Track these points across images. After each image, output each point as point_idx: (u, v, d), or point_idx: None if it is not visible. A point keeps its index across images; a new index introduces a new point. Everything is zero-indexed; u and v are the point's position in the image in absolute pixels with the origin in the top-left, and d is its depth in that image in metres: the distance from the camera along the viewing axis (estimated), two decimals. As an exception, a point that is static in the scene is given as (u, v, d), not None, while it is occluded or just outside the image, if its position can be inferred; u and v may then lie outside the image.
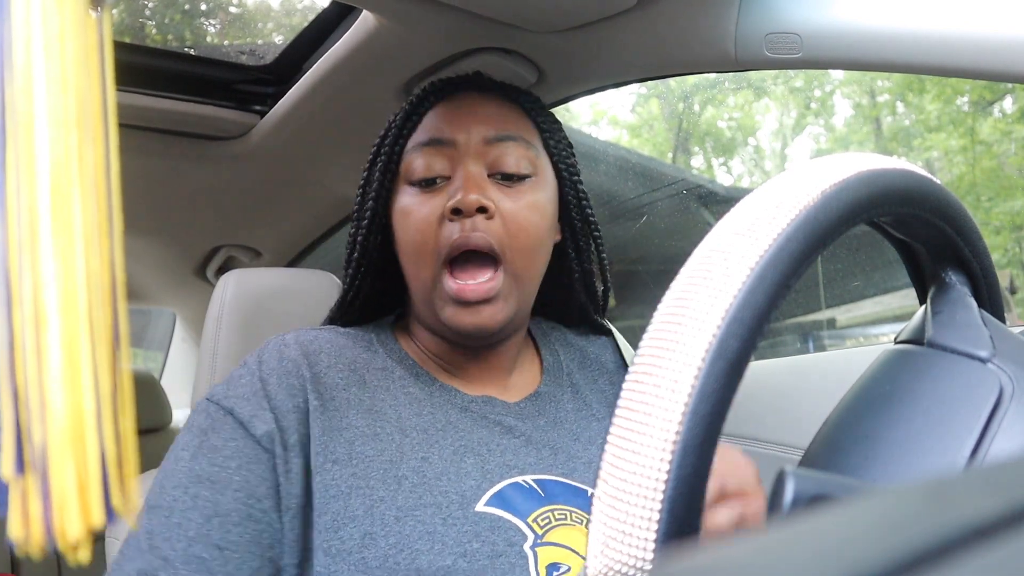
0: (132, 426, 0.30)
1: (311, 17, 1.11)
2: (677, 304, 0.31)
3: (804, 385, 0.96)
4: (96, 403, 0.28)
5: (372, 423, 0.65)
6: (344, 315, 0.79)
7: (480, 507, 0.62)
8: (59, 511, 0.27)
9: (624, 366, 0.83)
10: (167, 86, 1.17)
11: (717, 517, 0.46)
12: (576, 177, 0.78)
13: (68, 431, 0.27)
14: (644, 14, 0.83)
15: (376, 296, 0.79)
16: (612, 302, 0.87)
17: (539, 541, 0.61)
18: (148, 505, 0.59)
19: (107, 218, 0.30)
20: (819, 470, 0.37)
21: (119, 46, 1.18)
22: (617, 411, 0.31)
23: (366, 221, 0.74)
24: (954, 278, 0.42)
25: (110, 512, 0.28)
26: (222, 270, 1.67)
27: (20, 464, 0.27)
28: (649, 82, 1.00)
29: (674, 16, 0.83)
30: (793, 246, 0.31)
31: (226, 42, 1.65)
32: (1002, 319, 0.43)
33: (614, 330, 0.88)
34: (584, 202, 0.78)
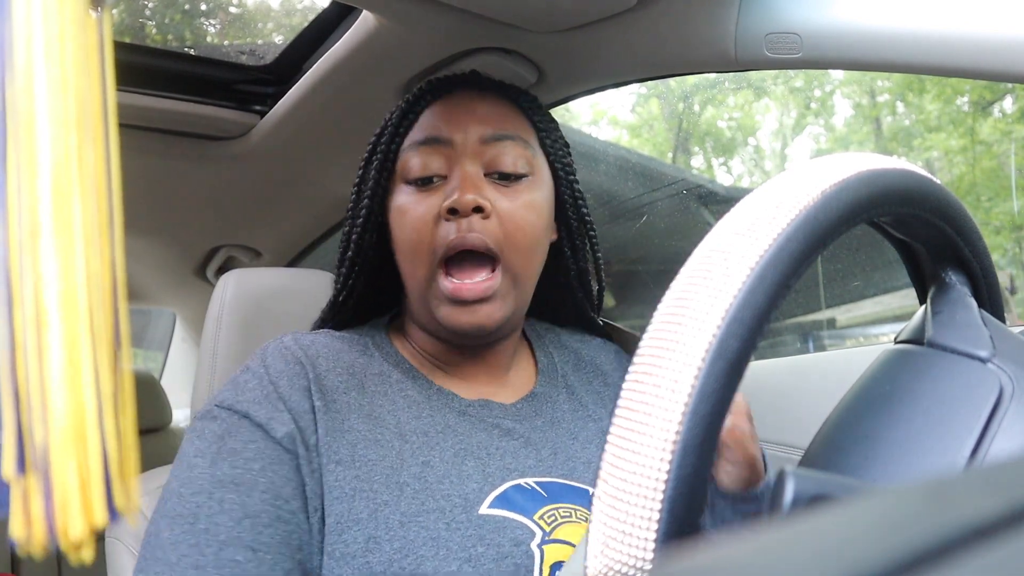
0: (133, 425, 0.30)
1: (311, 17, 1.11)
2: (677, 304, 0.31)
3: (804, 385, 0.97)
4: (97, 402, 0.28)
5: (373, 428, 0.65)
6: (336, 316, 0.78)
7: (484, 510, 0.62)
8: (61, 510, 0.27)
9: (621, 368, 0.83)
10: (167, 86, 1.17)
11: None
12: (572, 176, 0.78)
13: (69, 431, 0.27)
14: (644, 14, 0.83)
15: (369, 296, 0.78)
16: (612, 302, 0.87)
17: (547, 538, 0.61)
18: (168, 516, 0.57)
19: (107, 218, 0.30)
20: (819, 470, 0.37)
21: (119, 46, 1.18)
22: (617, 411, 0.31)
23: (361, 219, 0.74)
24: (954, 278, 0.42)
25: (112, 511, 0.28)
26: (222, 270, 1.67)
27: (22, 464, 0.27)
28: (649, 82, 1.00)
29: (674, 16, 0.83)
30: (793, 246, 0.31)
31: (226, 42, 1.65)
32: (1002, 319, 0.43)
33: (618, 326, 0.88)
34: (580, 201, 0.78)
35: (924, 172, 0.38)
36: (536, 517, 0.62)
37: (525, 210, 0.70)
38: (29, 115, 0.28)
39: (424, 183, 0.71)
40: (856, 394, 0.40)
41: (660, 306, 0.32)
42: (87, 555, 0.27)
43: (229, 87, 1.21)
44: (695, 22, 0.83)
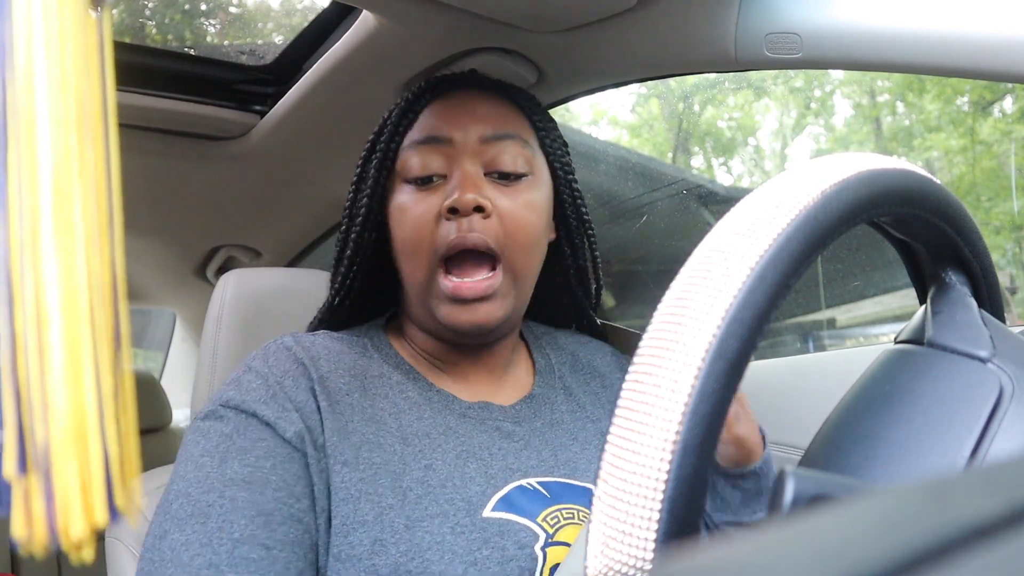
0: (134, 425, 0.30)
1: (311, 17, 1.11)
2: (677, 304, 0.31)
3: (804, 385, 0.97)
4: (98, 402, 0.28)
5: (376, 431, 0.65)
6: (333, 316, 0.78)
7: (487, 513, 0.62)
8: (62, 510, 0.27)
9: (618, 370, 0.83)
10: (167, 86, 1.17)
11: None
12: (571, 176, 0.78)
13: (70, 430, 0.27)
14: (644, 14, 0.83)
15: (367, 295, 0.78)
16: (612, 302, 0.87)
17: (550, 541, 0.61)
18: (175, 518, 0.56)
19: (108, 218, 0.30)
20: (819, 470, 0.37)
21: (119, 46, 1.18)
22: (617, 411, 0.31)
23: (360, 218, 0.74)
24: (954, 278, 0.42)
25: (113, 511, 0.28)
26: (222, 270, 1.67)
27: (23, 464, 0.27)
28: (649, 82, 1.00)
29: (674, 16, 0.83)
30: (793, 246, 0.31)
31: (226, 42, 1.65)
32: (1002, 319, 0.43)
33: (617, 325, 0.88)
34: (579, 200, 0.78)
35: (924, 172, 0.38)
36: (539, 519, 0.62)
37: (525, 209, 0.70)
38: (29, 115, 0.28)
39: (424, 182, 0.71)
40: (856, 394, 0.40)
41: (660, 306, 0.32)
42: (88, 555, 0.27)
43: (229, 87, 1.21)
44: (695, 22, 0.83)
